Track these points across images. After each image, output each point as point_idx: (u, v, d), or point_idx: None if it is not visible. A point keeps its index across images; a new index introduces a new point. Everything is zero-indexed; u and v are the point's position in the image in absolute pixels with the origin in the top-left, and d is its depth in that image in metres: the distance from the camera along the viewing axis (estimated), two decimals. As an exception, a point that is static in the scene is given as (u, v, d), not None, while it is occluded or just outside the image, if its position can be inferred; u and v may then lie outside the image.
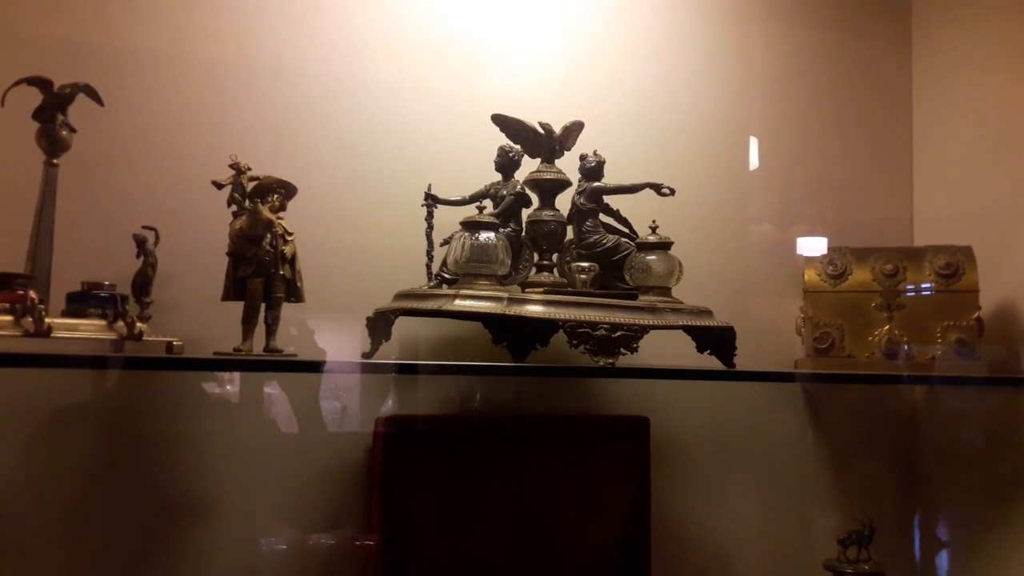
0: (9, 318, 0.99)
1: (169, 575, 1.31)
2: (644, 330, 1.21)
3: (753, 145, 1.74)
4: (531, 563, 1.41)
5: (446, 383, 1.49)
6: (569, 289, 1.31)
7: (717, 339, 1.34)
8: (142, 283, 1.18)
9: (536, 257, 1.38)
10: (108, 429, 1.29)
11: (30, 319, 1.00)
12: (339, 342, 1.34)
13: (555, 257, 1.39)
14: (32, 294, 1.02)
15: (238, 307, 1.16)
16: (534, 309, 1.19)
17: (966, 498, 1.67)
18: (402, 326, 1.26)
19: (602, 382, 1.59)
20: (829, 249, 1.56)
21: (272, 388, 1.38)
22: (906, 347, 1.45)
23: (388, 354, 1.38)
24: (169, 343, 1.13)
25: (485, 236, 1.23)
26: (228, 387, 1.35)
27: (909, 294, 1.48)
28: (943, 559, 1.71)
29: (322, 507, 1.39)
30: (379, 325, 1.22)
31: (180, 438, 1.32)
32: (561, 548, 1.44)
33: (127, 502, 1.29)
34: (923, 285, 1.48)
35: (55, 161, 1.12)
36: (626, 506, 1.50)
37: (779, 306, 1.62)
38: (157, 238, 1.19)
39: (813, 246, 1.62)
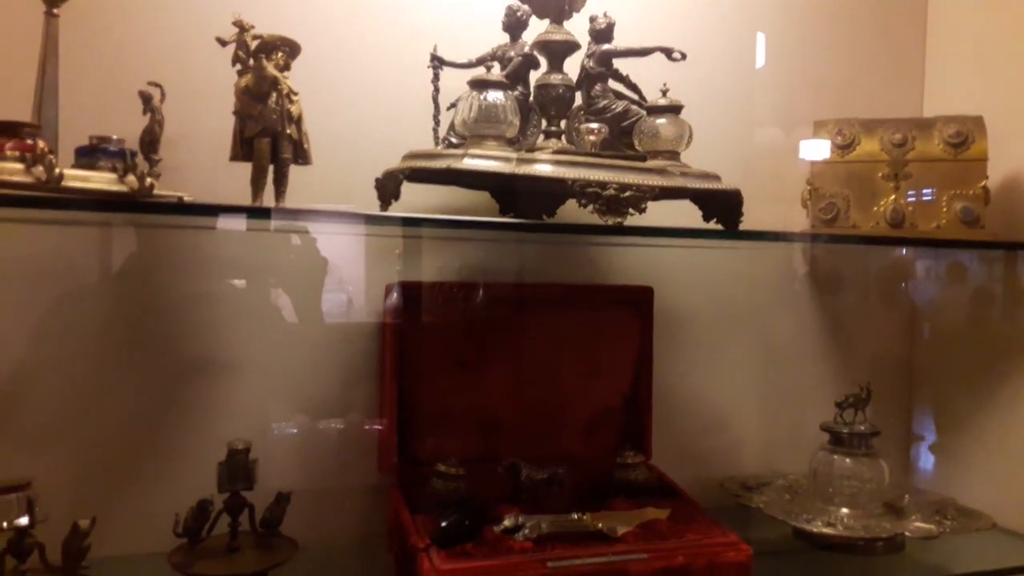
0: (20, 166, 0.99)
1: (182, 430, 1.36)
2: (653, 191, 1.22)
3: (764, 13, 1.70)
4: (539, 421, 1.47)
5: (454, 251, 1.51)
6: (579, 151, 1.30)
7: (724, 205, 1.34)
8: (150, 140, 1.17)
9: (544, 123, 1.37)
10: (121, 288, 1.32)
11: (40, 168, 1.00)
12: (348, 204, 1.34)
13: (563, 124, 1.38)
14: (41, 143, 1.02)
15: (246, 169, 1.16)
16: (544, 169, 1.19)
17: (963, 364, 1.72)
18: (410, 197, 1.26)
19: (607, 253, 1.61)
20: (838, 120, 1.54)
21: (283, 251, 1.40)
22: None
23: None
24: (180, 198, 1.13)
25: (494, 95, 1.21)
26: (239, 248, 1.38)
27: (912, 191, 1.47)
28: (938, 421, 1.77)
29: (334, 370, 1.43)
30: (388, 186, 1.22)
31: (190, 297, 1.35)
32: (566, 409, 1.49)
33: (138, 359, 1.33)
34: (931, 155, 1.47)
35: (55, 11, 1.10)
36: (629, 370, 1.54)
37: (786, 180, 1.61)
38: (163, 95, 1.18)
39: (816, 148, 1.58)
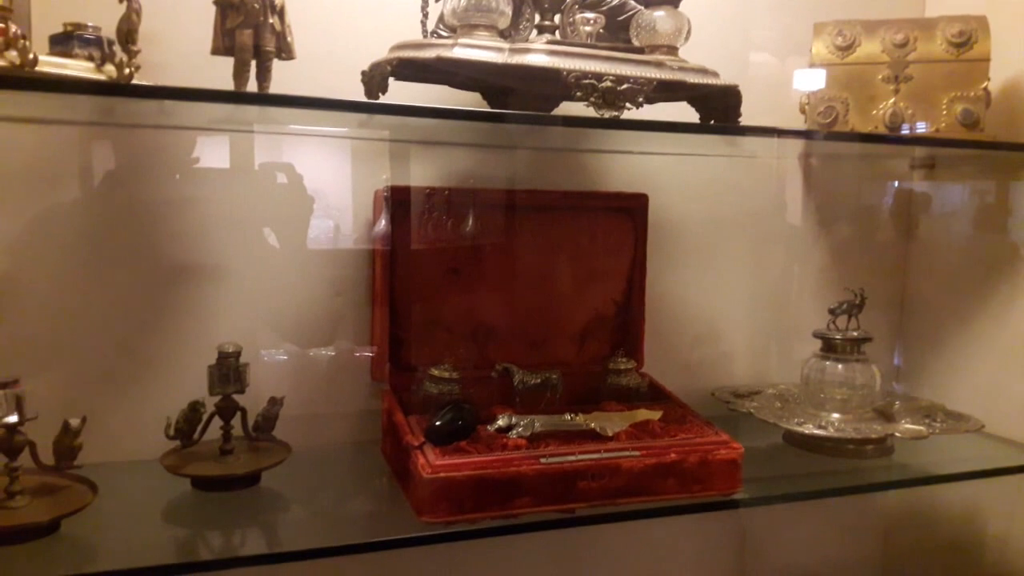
0: (-9, 50, 0.95)
1: (172, 336, 1.34)
2: (650, 83, 1.18)
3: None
4: (532, 328, 1.46)
5: (444, 157, 1.47)
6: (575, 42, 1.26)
7: (722, 103, 1.31)
8: (127, 30, 1.11)
9: (537, 18, 1.32)
10: (103, 190, 1.28)
11: (14, 52, 0.96)
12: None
13: (557, 19, 1.33)
14: (14, 27, 0.97)
15: (227, 66, 1.12)
16: (537, 59, 1.15)
17: (955, 273, 1.72)
18: (397, 96, 1.22)
19: (602, 160, 1.58)
20: (838, 21, 1.50)
21: (268, 151, 1.37)
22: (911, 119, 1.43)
23: (383, 125, 1.37)
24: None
25: (485, -17, 1.17)
26: (222, 148, 1.34)
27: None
28: (929, 330, 1.78)
29: (323, 278, 1.41)
30: (375, 78, 1.18)
31: (174, 201, 1.32)
32: (559, 316, 1.48)
33: (123, 263, 1.30)
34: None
35: None
36: (623, 277, 1.53)
37: (784, 83, 1.58)
38: (139, -19, 1.13)
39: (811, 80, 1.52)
